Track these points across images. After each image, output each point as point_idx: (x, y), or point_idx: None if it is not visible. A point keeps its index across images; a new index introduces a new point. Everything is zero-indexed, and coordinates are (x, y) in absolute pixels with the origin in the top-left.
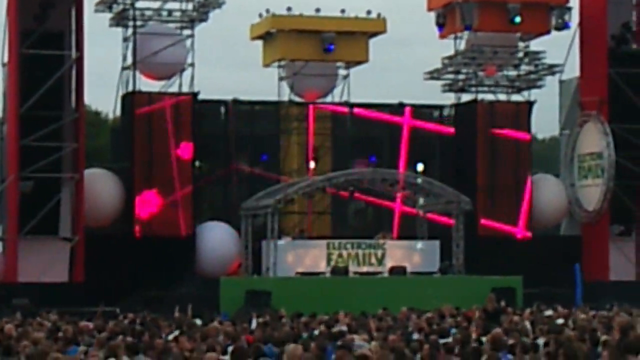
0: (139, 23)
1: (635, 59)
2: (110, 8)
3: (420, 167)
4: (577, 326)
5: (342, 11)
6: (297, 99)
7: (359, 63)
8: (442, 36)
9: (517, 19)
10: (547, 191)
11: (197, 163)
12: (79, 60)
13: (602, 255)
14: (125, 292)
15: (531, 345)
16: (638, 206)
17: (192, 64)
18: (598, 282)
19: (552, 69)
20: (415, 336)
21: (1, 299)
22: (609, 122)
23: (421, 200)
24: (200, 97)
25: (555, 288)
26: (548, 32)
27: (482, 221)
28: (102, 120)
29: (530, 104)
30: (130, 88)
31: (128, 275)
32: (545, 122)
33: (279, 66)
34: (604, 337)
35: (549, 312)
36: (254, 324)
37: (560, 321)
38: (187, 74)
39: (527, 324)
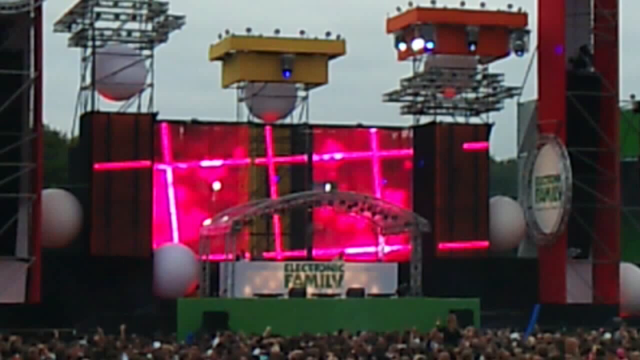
0: (98, 43)
1: (593, 82)
2: (69, 28)
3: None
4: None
5: (302, 32)
6: (256, 120)
7: (318, 84)
8: (401, 58)
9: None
10: (504, 213)
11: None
12: (38, 80)
13: (559, 278)
14: (82, 313)
15: None
16: (595, 229)
17: (151, 85)
18: (555, 305)
19: (510, 92)
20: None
21: None
22: (566, 145)
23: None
24: (159, 117)
25: (513, 310)
26: (506, 54)
27: (441, 243)
28: (60, 140)
29: (488, 127)
30: (88, 108)
31: (85, 296)
32: (504, 144)
33: (238, 87)
34: None
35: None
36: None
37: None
38: (146, 94)
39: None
